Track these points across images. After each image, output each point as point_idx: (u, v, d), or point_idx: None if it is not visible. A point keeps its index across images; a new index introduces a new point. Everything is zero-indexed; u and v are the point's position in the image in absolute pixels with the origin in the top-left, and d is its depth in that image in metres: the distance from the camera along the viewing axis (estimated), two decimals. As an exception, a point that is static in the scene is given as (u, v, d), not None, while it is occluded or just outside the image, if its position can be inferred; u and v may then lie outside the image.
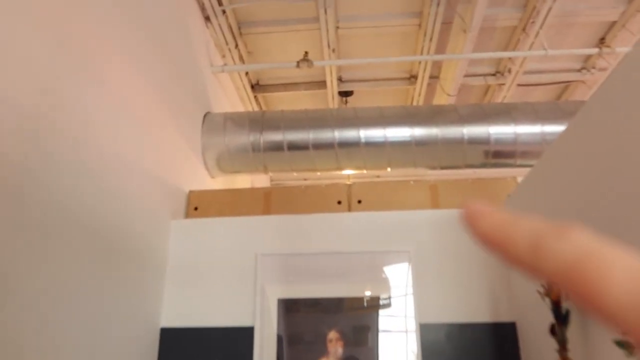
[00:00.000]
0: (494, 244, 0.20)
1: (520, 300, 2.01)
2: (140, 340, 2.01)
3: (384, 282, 2.19)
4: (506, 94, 3.97)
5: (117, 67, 1.92)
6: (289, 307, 2.18)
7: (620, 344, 0.88)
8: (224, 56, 3.47)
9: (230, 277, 2.25)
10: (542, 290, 1.59)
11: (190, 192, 2.63)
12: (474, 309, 2.12)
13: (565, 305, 1.48)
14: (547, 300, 1.53)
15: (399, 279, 2.19)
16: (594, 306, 0.16)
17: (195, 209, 2.58)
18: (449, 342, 2.07)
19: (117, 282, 1.83)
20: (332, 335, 2.10)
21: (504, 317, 2.09)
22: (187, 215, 2.56)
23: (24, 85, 1.36)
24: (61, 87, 1.53)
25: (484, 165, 2.90)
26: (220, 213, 2.53)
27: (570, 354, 1.45)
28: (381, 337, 2.11)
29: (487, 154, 2.84)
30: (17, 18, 1.34)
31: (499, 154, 2.83)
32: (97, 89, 1.75)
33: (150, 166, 2.18)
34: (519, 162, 2.84)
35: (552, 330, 1.49)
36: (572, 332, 1.48)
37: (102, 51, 1.80)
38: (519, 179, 2.41)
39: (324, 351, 2.09)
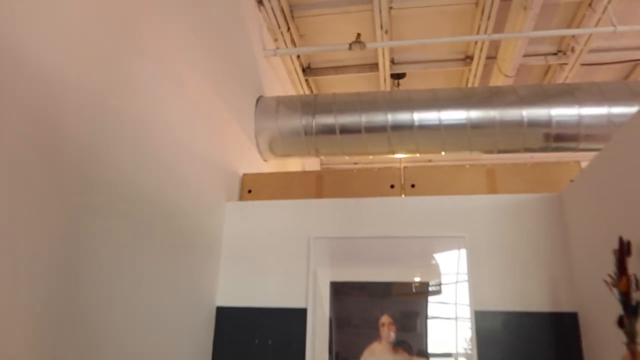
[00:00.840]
0: None
1: (583, 290, 1.92)
2: (197, 316, 2.07)
3: (436, 268, 2.15)
4: (568, 75, 3.78)
5: (175, 52, 1.96)
6: (340, 290, 2.18)
7: None
8: (276, 40, 3.48)
9: (283, 259, 2.28)
10: (609, 279, 1.51)
11: (244, 175, 2.67)
12: (532, 298, 2.05)
13: (635, 296, 1.40)
14: (615, 290, 1.45)
15: (452, 265, 2.15)
16: None
17: (249, 191, 2.62)
18: (506, 331, 2.02)
19: (176, 261, 1.89)
20: (385, 319, 2.09)
21: (565, 307, 2.01)
22: (241, 197, 2.61)
23: (88, 70, 1.40)
24: (123, 72, 1.58)
25: (544, 149, 2.78)
26: (273, 196, 2.56)
27: None
28: (430, 323, 2.08)
29: (547, 137, 2.71)
30: (81, 5, 1.39)
31: (560, 137, 2.70)
32: (156, 74, 1.79)
33: (206, 150, 2.22)
34: (582, 145, 2.70)
35: (620, 322, 1.41)
36: (643, 324, 1.41)
37: (161, 37, 1.84)
38: (583, 164, 2.29)
39: (375, 335, 2.08)
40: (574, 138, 2.68)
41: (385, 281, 2.17)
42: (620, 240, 1.46)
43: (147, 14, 1.74)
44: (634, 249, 1.46)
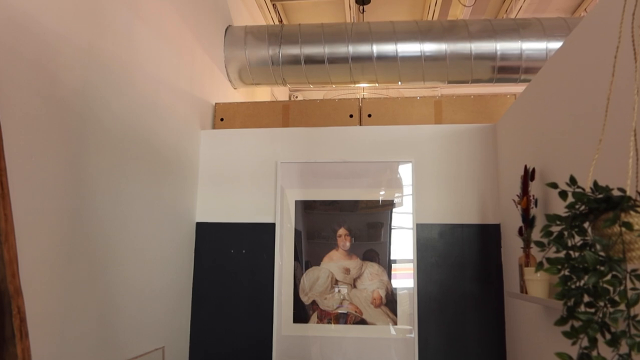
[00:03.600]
0: None
1: (504, 206, 2.31)
2: (180, 230, 2.40)
3: (387, 188, 2.50)
4: (523, 2, 3.97)
5: (148, -7, 2.10)
6: (305, 207, 2.53)
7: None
8: (242, -34, 3.53)
9: (254, 181, 2.59)
10: (516, 199, 1.88)
11: (217, 104, 2.89)
12: (465, 212, 2.44)
13: (533, 212, 1.77)
14: (519, 207, 1.82)
15: (400, 186, 2.50)
16: None
17: (221, 119, 2.86)
18: (441, 239, 2.43)
19: (160, 184, 2.18)
20: (342, 231, 2.47)
21: (491, 220, 2.41)
22: (215, 125, 2.85)
23: (75, 25, 1.59)
24: (103, 18, 1.76)
25: (490, 80, 3.07)
26: (243, 124, 2.81)
27: (532, 251, 1.76)
28: (384, 234, 2.46)
29: (493, 69, 3.00)
30: (67, -37, 1.54)
31: (504, 70, 2.98)
32: (131, 15, 1.96)
33: (180, 82, 2.43)
34: (522, 77, 3.00)
35: (520, 232, 1.79)
36: (536, 234, 1.79)
37: (135, -20, 1.98)
38: (519, 96, 2.59)
39: (333, 244, 2.47)
40: (516, 70, 2.97)
41: (342, 199, 2.52)
42: (525, 168, 1.80)
43: (121, -39, 1.88)
44: (538, 175, 1.81)
